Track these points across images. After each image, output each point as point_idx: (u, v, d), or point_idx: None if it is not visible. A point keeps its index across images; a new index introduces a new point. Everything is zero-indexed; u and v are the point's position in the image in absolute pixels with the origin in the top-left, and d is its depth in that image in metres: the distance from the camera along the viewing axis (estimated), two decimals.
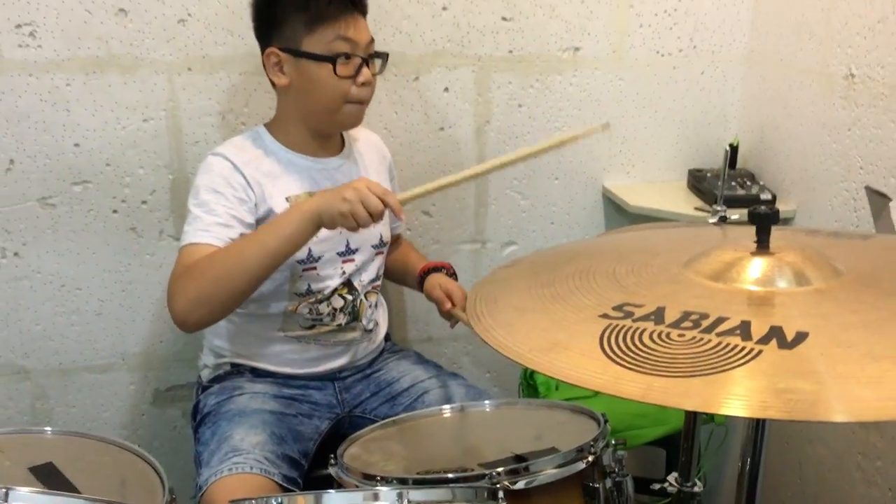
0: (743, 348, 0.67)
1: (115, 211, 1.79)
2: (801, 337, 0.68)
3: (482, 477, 1.13)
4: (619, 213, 2.04)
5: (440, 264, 1.72)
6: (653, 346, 0.70)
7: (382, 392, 1.66)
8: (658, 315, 0.74)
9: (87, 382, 1.88)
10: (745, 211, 1.46)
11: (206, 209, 1.46)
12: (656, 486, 1.39)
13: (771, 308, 0.76)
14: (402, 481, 1.14)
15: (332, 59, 1.47)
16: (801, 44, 1.82)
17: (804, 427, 1.84)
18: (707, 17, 1.97)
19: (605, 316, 0.76)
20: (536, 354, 0.72)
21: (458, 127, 1.93)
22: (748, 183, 1.91)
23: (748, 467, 0.86)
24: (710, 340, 0.69)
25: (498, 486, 1.11)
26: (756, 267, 0.81)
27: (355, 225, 1.34)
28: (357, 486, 1.18)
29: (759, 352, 0.67)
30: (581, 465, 1.17)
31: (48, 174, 1.73)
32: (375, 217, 1.34)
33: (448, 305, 1.60)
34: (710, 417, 1.72)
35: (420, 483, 1.12)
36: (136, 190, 1.78)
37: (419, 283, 1.71)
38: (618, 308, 0.77)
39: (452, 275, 1.71)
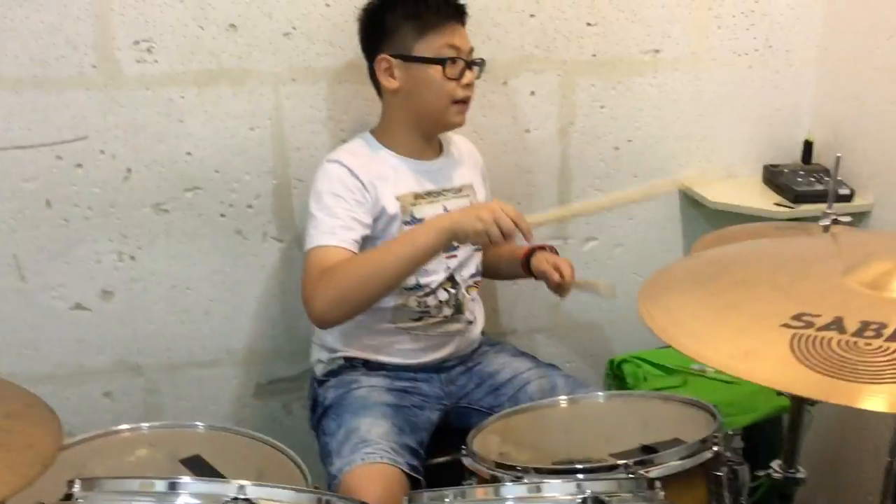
0: None
1: (222, 215, 1.88)
2: None
3: (616, 467, 1.21)
4: (695, 209, 2.12)
5: (543, 245, 1.80)
6: (843, 353, 0.78)
7: (485, 384, 1.75)
8: (838, 325, 0.82)
9: (194, 377, 1.98)
10: (822, 205, 1.56)
11: (329, 213, 1.56)
12: (761, 473, 1.47)
13: None
14: (541, 471, 1.22)
15: (441, 62, 1.58)
16: (876, 43, 1.88)
17: None
18: (782, 17, 2.04)
19: (786, 326, 0.84)
20: (733, 361, 0.80)
21: (543, 128, 2.01)
22: (825, 178, 1.98)
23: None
24: None
25: (633, 475, 1.19)
26: None
27: (488, 242, 1.45)
28: (493, 476, 1.27)
29: None
30: (707, 455, 1.25)
31: (162, 182, 1.82)
32: (507, 236, 1.44)
33: (556, 277, 1.69)
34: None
35: (559, 472, 1.21)
36: (242, 195, 1.87)
37: (523, 265, 1.78)
38: (796, 318, 0.85)
39: (555, 252, 1.79)
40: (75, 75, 1.72)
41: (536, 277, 1.75)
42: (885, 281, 0.90)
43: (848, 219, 1.44)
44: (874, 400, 0.71)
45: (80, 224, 1.81)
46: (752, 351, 0.81)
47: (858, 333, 0.81)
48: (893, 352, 0.77)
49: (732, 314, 0.89)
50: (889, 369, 0.75)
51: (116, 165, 1.79)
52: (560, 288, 1.69)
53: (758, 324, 0.86)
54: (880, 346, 0.78)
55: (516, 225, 1.44)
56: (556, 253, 1.79)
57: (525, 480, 1.13)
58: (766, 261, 1.02)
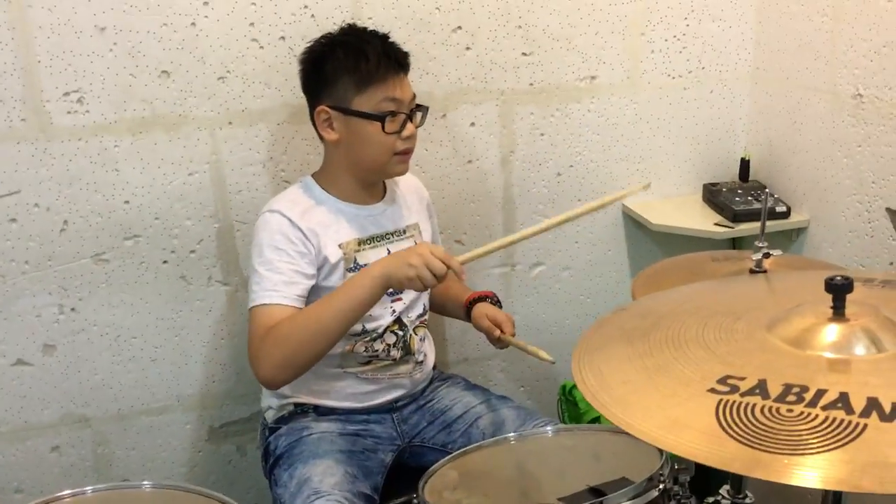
0: (850, 423, 0.77)
1: (164, 262, 1.86)
2: None
3: None
4: (639, 230, 2.15)
5: (484, 294, 1.82)
6: (767, 421, 0.79)
7: (437, 421, 1.75)
8: (762, 388, 0.83)
9: (145, 425, 1.96)
10: (758, 224, 1.59)
11: (270, 268, 1.55)
12: (710, 500, 1.50)
13: (853, 376, 0.85)
14: None
15: (380, 118, 1.56)
16: (806, 63, 1.93)
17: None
18: (713, 38, 2.07)
19: (713, 391, 0.86)
20: (661, 433, 0.81)
21: (484, 158, 2.02)
22: (762, 196, 2.01)
23: None
24: (817, 415, 0.79)
25: None
26: (832, 332, 0.92)
27: (421, 287, 1.45)
28: None
29: (864, 426, 0.77)
30: (654, 494, 1.27)
31: (101, 231, 1.80)
32: (440, 279, 1.44)
33: (497, 333, 1.70)
34: None
35: None
36: (184, 240, 1.85)
37: (465, 314, 1.80)
38: (722, 381, 0.87)
39: (496, 302, 1.81)
40: (5, 129, 1.68)
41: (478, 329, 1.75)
42: (806, 338, 0.92)
43: (778, 252, 1.47)
44: (798, 474, 0.72)
45: (18, 279, 1.77)
46: (679, 421, 0.82)
47: (781, 398, 0.82)
48: (814, 418, 0.79)
49: (661, 378, 0.90)
50: (810, 438, 0.76)
51: (52, 218, 1.76)
52: (500, 342, 1.70)
53: (685, 389, 0.87)
54: (801, 413, 0.80)
55: (447, 265, 1.44)
56: (499, 303, 1.80)
57: None
58: (696, 314, 1.03)
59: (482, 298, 1.79)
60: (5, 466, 1.88)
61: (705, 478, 1.72)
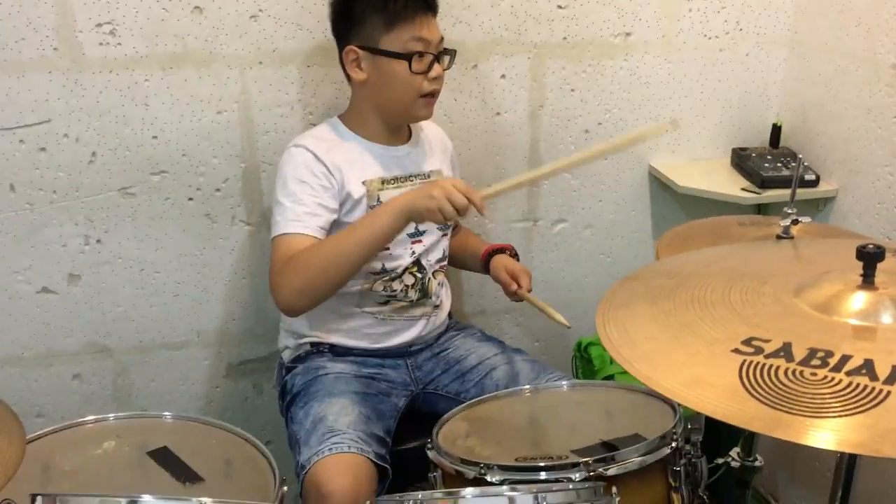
0: (873, 389, 0.78)
1: (190, 199, 1.87)
2: None
3: (577, 465, 1.24)
4: (664, 191, 2.13)
5: (502, 246, 1.83)
6: (790, 384, 0.80)
7: (452, 370, 1.77)
8: (787, 352, 0.84)
9: (164, 359, 1.99)
10: (788, 190, 1.58)
11: (294, 199, 1.56)
12: (719, 461, 1.51)
13: (879, 343, 0.85)
14: (503, 468, 1.25)
15: (407, 57, 1.56)
16: (846, 30, 1.89)
17: None
18: (753, 0, 2.03)
19: (737, 351, 0.86)
20: (683, 389, 0.82)
21: (513, 111, 2.00)
22: (792, 163, 2.00)
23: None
24: (841, 380, 0.79)
25: (592, 472, 1.22)
26: (860, 300, 0.92)
27: (442, 219, 1.45)
28: (457, 471, 1.30)
29: (888, 393, 0.77)
30: (666, 451, 1.28)
31: (128, 165, 1.81)
32: (461, 212, 1.44)
33: (514, 287, 1.71)
34: None
35: (521, 469, 1.23)
36: (210, 178, 1.86)
37: (483, 266, 1.81)
38: (746, 342, 0.87)
39: (514, 255, 1.82)
40: (36, 58, 1.69)
41: (496, 281, 1.76)
42: (834, 304, 0.92)
43: (808, 219, 1.46)
44: (817, 436, 0.73)
45: (45, 208, 1.79)
46: (701, 378, 0.83)
47: (805, 362, 0.83)
48: (837, 383, 0.79)
49: (686, 336, 0.90)
50: (833, 402, 0.77)
51: (80, 149, 1.77)
52: (515, 296, 1.72)
53: (709, 348, 0.87)
54: (825, 377, 0.80)
55: (468, 199, 1.44)
56: (516, 255, 1.80)
57: (487, 481, 1.15)
58: (722, 276, 1.03)
59: (500, 251, 1.80)
60: (28, 391, 1.92)
61: (716, 440, 1.74)
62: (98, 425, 1.45)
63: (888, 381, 0.79)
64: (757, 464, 1.48)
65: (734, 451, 1.49)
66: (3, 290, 1.83)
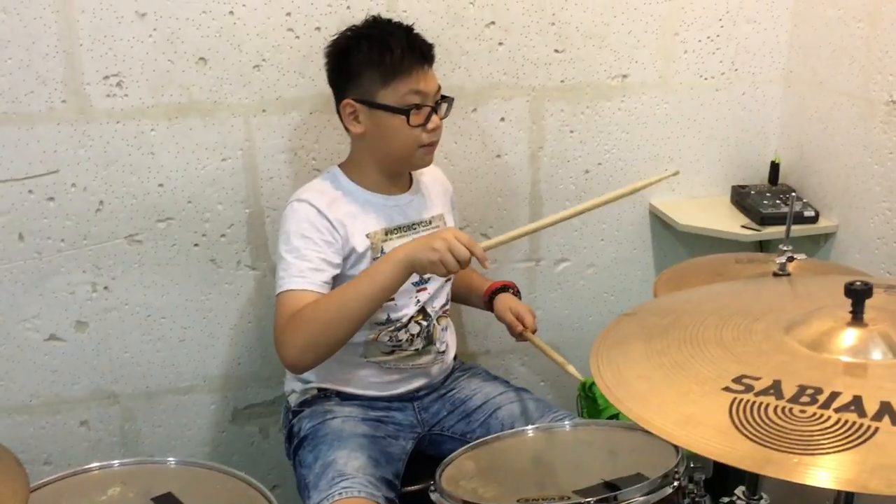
0: (861, 425, 0.78)
1: (196, 245, 1.89)
2: None
3: None
4: (665, 230, 2.15)
5: (505, 284, 1.84)
6: (779, 421, 0.80)
7: (458, 410, 1.77)
8: (777, 389, 0.85)
9: (171, 404, 2.00)
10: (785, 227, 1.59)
11: (298, 255, 1.57)
12: (725, 500, 1.51)
13: (869, 380, 0.86)
14: None
15: (405, 111, 1.58)
16: (840, 68, 1.92)
17: None
18: (747, 40, 2.07)
19: (727, 389, 0.87)
20: (674, 428, 0.83)
21: (513, 153, 2.03)
22: (789, 199, 2.01)
23: None
24: (830, 417, 0.80)
25: None
26: (850, 336, 0.93)
27: (444, 272, 1.46)
28: None
29: (876, 429, 0.78)
30: (668, 491, 1.28)
31: (135, 213, 1.84)
32: (463, 264, 1.45)
33: (520, 328, 1.73)
34: None
35: None
36: (215, 224, 1.89)
37: (486, 304, 1.82)
38: (737, 380, 0.88)
39: (517, 293, 1.83)
40: (45, 110, 1.73)
41: (501, 321, 1.77)
42: (823, 341, 0.93)
43: (803, 256, 1.47)
44: (805, 473, 0.74)
45: (53, 256, 1.82)
46: (693, 417, 0.84)
47: (795, 399, 0.83)
48: (826, 420, 0.80)
49: (678, 375, 0.91)
50: (821, 439, 0.77)
51: (88, 198, 1.80)
52: (521, 337, 1.74)
53: (700, 387, 0.88)
54: (814, 414, 0.81)
55: (471, 252, 1.45)
56: (518, 293, 1.81)
57: None
58: (715, 314, 1.04)
59: (504, 289, 1.81)
60: (36, 438, 1.93)
61: (722, 478, 1.73)
62: (103, 472, 1.46)
63: (876, 417, 0.79)
64: (762, 502, 1.47)
65: (739, 490, 1.49)
66: (12, 339, 1.85)
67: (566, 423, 1.58)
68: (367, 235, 1.65)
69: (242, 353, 2.01)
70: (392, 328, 1.69)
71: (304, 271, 1.56)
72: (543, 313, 2.15)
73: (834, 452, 0.76)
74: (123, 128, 1.78)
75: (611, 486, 1.30)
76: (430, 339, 1.74)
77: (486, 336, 2.16)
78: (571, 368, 1.63)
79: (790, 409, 0.82)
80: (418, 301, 1.71)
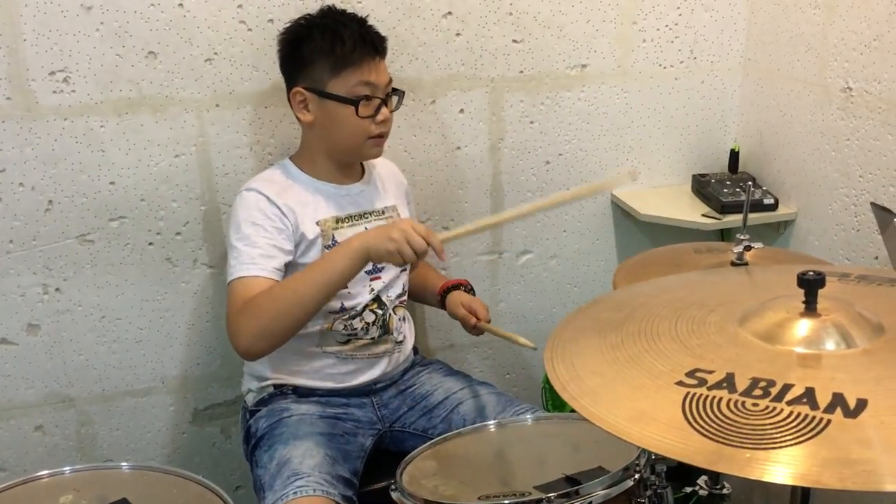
0: (813, 418, 0.77)
1: (150, 243, 1.85)
2: (862, 404, 0.78)
3: (539, 501, 1.23)
4: (627, 220, 2.14)
5: (458, 282, 1.83)
6: (732, 415, 0.79)
7: (418, 406, 1.76)
8: (730, 383, 0.83)
9: (129, 406, 1.96)
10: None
11: (248, 242, 1.55)
12: (687, 490, 1.50)
13: (822, 371, 0.86)
14: None
15: (354, 102, 1.57)
16: (797, 55, 1.92)
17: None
18: (706, 29, 2.07)
19: (680, 384, 0.86)
20: (626, 425, 0.81)
21: (473, 145, 2.01)
22: (747, 188, 2.01)
23: None
24: (782, 410, 0.79)
25: None
26: (804, 327, 0.92)
27: (401, 262, 1.45)
28: None
29: (828, 422, 0.77)
30: (629, 483, 1.28)
31: (86, 212, 1.79)
32: (420, 256, 1.44)
33: (473, 321, 1.71)
34: None
35: None
36: (169, 222, 1.85)
37: (440, 302, 1.81)
38: (690, 374, 0.87)
39: (470, 290, 1.82)
40: None
41: (453, 317, 1.76)
42: (777, 332, 0.92)
43: (760, 245, 1.47)
44: (757, 468, 0.72)
45: (2, 258, 1.77)
46: (645, 413, 0.82)
47: (747, 392, 0.82)
48: (778, 413, 0.79)
49: (631, 370, 0.90)
50: (773, 433, 0.76)
51: (36, 197, 1.75)
52: (475, 329, 1.72)
53: (654, 381, 0.87)
54: (766, 407, 0.80)
55: (428, 243, 1.44)
56: (471, 290, 1.80)
57: None
58: (670, 306, 1.03)
59: (456, 287, 1.80)
60: None
61: (687, 467, 1.73)
62: (54, 479, 1.42)
63: (828, 409, 0.78)
64: (725, 491, 1.47)
65: (702, 480, 1.48)
66: None
67: (528, 417, 1.57)
68: (318, 223, 1.63)
69: (201, 352, 1.97)
70: (346, 316, 1.67)
71: (256, 258, 1.54)
72: (507, 306, 2.14)
73: (786, 447, 0.75)
74: (71, 125, 1.73)
75: (571, 480, 1.29)
76: (386, 329, 1.72)
77: (449, 331, 2.14)
78: (522, 340, 1.62)
79: (743, 403, 0.81)
80: (372, 289, 1.69)
